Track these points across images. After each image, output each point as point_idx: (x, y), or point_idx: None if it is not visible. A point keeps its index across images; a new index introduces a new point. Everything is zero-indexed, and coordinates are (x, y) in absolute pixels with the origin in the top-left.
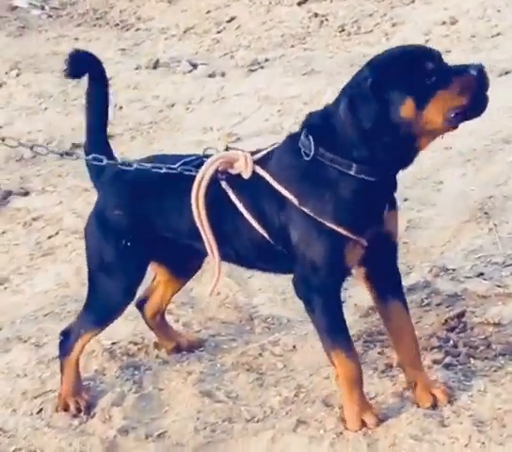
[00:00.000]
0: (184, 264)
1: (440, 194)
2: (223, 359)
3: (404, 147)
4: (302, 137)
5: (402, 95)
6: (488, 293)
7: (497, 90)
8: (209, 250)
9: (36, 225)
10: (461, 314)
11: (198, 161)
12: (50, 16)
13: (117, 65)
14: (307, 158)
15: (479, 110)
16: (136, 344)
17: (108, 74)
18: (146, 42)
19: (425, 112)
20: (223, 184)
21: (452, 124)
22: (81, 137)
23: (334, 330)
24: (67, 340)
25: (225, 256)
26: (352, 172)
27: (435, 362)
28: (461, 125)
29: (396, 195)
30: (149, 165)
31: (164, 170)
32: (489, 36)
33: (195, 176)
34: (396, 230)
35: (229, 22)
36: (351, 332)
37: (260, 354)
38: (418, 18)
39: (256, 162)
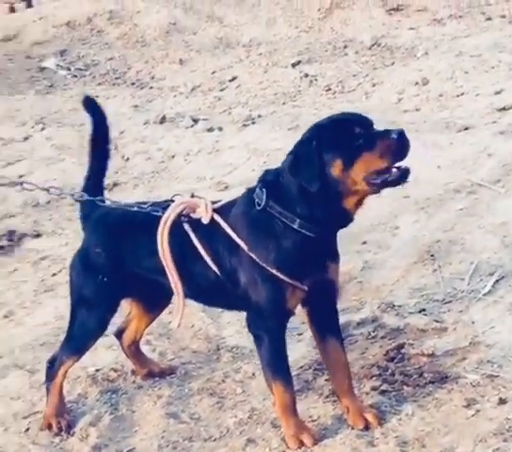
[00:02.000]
0: (154, 300)
1: (395, 238)
2: (191, 384)
3: (337, 206)
4: (257, 189)
5: (333, 156)
6: (426, 327)
7: (455, 145)
8: (173, 286)
9: (43, 264)
10: (401, 346)
11: (166, 204)
12: (75, 76)
13: (129, 120)
14: (259, 208)
15: (401, 179)
16: (116, 371)
17: (120, 128)
18: (157, 100)
19: (351, 172)
20: (185, 226)
21: (373, 188)
22: None
23: (276, 364)
24: (52, 367)
25: (188, 293)
26: (295, 226)
27: (373, 388)
28: (420, 175)
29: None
30: (122, 203)
31: (135, 209)
32: (455, 95)
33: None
34: (337, 278)
35: (230, 81)
36: (304, 361)
37: (223, 380)
38: (395, 78)
39: (216, 210)
